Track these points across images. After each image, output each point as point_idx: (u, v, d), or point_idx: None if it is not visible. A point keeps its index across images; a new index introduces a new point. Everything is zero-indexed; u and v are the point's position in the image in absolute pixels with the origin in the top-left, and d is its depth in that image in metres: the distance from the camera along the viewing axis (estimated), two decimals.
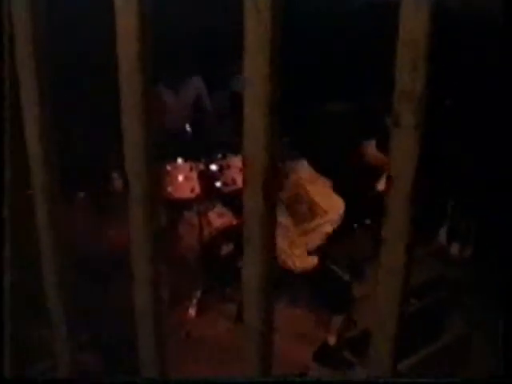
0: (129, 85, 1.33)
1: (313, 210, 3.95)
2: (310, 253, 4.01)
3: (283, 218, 3.91)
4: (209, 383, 1.53)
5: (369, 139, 5.37)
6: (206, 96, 5.59)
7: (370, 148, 5.35)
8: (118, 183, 5.20)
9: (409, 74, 1.14)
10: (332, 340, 4.02)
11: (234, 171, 4.76)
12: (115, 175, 5.20)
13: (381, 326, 1.35)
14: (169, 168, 4.77)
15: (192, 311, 4.49)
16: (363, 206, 4.95)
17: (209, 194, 4.75)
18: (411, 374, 3.53)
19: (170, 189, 4.74)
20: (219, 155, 4.83)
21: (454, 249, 5.28)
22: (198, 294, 4.55)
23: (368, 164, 5.27)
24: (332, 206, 4.03)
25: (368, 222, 5.15)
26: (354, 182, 5.00)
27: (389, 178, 1.21)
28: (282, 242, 3.91)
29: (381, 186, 5.20)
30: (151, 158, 1.40)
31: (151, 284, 1.50)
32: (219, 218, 4.79)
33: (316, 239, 3.96)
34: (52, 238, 1.61)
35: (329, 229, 3.87)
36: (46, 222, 1.59)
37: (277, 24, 1.15)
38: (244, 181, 1.29)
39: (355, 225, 5.27)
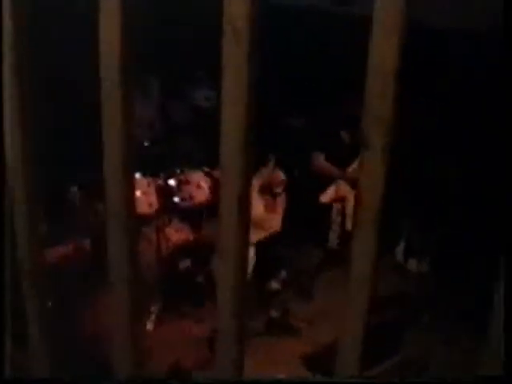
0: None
1: None
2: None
3: None
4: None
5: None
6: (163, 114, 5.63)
7: (320, 159, 5.45)
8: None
9: (379, 99, 1.19)
10: None
11: (192, 187, 4.77)
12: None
13: (349, 336, 1.40)
14: None
15: (150, 326, 4.48)
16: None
17: (166, 209, 4.75)
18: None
19: None
20: (178, 170, 4.84)
21: (411, 265, 5.38)
22: (157, 309, 4.54)
23: (317, 174, 5.38)
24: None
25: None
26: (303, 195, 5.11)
27: (357, 197, 1.26)
28: None
29: (325, 197, 5.30)
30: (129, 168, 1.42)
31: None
32: (176, 233, 4.79)
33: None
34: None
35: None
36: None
37: (255, 45, 1.19)
38: (221, 196, 1.32)
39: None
